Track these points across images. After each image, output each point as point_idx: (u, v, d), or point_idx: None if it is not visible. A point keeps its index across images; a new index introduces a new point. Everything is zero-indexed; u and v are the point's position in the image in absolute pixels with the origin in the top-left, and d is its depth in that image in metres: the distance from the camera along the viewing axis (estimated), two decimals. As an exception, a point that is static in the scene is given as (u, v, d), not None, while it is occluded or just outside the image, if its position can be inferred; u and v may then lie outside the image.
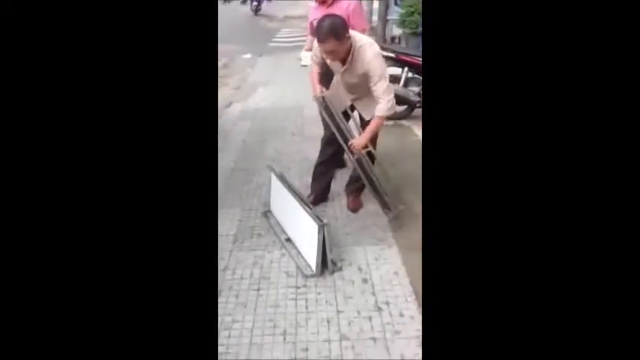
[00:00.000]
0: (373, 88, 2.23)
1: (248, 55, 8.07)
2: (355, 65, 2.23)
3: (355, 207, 2.79)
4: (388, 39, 8.36)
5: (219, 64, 7.47)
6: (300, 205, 2.28)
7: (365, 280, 2.16)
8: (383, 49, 4.88)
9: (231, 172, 3.39)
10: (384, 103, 2.24)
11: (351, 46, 2.19)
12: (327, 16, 2.19)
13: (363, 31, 2.96)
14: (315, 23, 2.96)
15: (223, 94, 5.77)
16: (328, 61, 2.34)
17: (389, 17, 8.40)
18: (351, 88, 2.45)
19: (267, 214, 2.77)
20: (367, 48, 2.19)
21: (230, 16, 12.06)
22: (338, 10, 2.83)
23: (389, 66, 4.51)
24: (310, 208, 2.25)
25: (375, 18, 8.85)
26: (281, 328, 1.87)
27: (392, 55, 4.47)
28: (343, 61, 2.26)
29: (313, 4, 3.06)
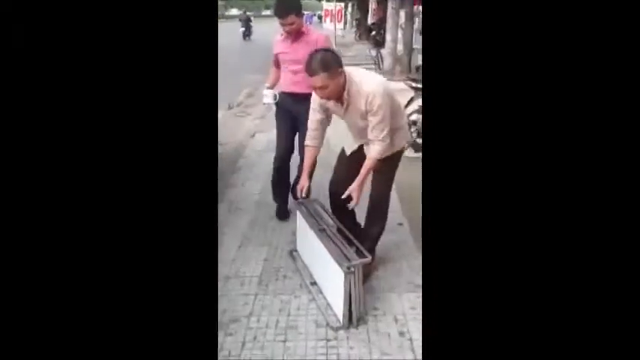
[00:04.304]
0: (370, 123, 2.04)
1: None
2: (355, 102, 2.03)
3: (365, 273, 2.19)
4: (413, 69, 8.29)
5: (244, 92, 7.50)
6: (326, 247, 2.11)
7: (402, 333, 1.96)
8: (409, 79, 4.79)
9: (256, 206, 3.27)
10: (377, 143, 2.05)
11: (345, 82, 2.01)
12: (317, 50, 2.02)
13: None
14: (280, 57, 2.85)
15: (247, 123, 5.74)
16: (329, 105, 2.16)
17: (414, 46, 8.36)
18: (359, 132, 2.22)
19: (292, 253, 2.62)
20: (366, 81, 2.00)
21: (254, 46, 12.23)
22: (306, 43, 2.69)
23: (416, 97, 4.40)
24: (337, 249, 2.07)
25: (400, 47, 8.82)
26: (311, 389, 1.68)
27: (419, 85, 4.34)
28: (341, 101, 2.07)
29: (278, 37, 2.88)
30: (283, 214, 3.07)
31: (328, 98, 2.06)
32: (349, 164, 2.32)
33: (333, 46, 2.89)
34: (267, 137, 4.90)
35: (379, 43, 11.11)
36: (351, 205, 2.14)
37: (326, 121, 2.28)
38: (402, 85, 4.74)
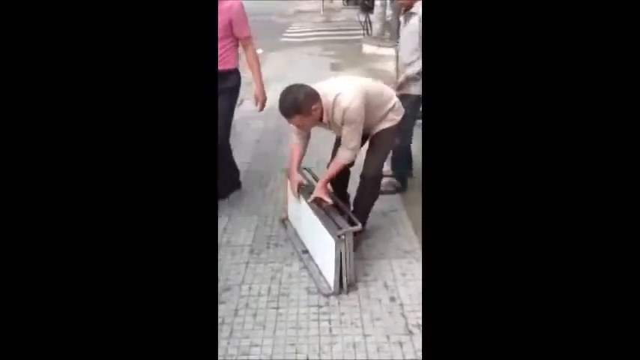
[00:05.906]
0: (343, 131, 2.04)
1: (259, 51, 7.89)
2: (336, 117, 2.01)
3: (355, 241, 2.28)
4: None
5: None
6: (317, 215, 2.12)
7: (392, 299, 1.99)
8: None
9: (245, 175, 3.24)
10: (347, 151, 2.08)
11: (322, 110, 1.99)
12: (290, 88, 1.95)
13: (246, 39, 2.68)
14: None
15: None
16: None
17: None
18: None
19: (284, 221, 2.62)
20: (344, 93, 1.96)
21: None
22: (219, 11, 2.44)
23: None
24: (328, 218, 2.08)
25: (389, 12, 8.64)
26: (303, 353, 1.71)
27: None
28: (323, 122, 2.06)
29: None
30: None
31: (308, 130, 2.14)
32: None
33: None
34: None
35: (368, 8, 10.84)
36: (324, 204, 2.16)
37: (307, 137, 2.26)
38: (392, 51, 4.67)
